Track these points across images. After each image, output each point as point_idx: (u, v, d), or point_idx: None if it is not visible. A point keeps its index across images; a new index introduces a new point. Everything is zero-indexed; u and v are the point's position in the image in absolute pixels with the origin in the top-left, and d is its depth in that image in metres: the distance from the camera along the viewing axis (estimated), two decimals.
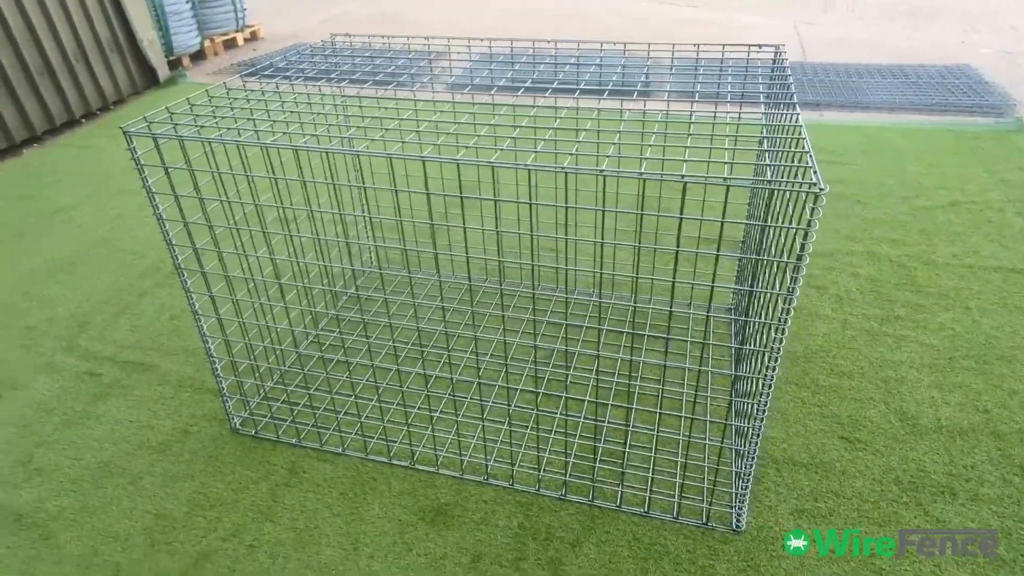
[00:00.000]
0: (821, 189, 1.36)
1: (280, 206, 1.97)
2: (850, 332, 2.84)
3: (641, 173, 1.51)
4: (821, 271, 3.26)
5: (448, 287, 3.25)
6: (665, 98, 1.94)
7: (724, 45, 2.37)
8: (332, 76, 2.34)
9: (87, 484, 2.32)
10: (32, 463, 2.41)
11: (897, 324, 2.87)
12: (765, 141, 1.58)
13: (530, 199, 1.69)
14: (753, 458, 1.85)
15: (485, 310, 3.10)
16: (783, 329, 1.57)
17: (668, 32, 7.81)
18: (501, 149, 1.71)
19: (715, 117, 1.95)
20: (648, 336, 2.85)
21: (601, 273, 2.45)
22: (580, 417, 2.46)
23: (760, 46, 2.37)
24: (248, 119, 2.02)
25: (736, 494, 2.03)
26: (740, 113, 1.96)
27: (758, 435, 1.79)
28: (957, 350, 2.71)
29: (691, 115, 1.87)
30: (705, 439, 2.34)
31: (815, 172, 1.42)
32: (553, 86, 2.17)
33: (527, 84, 2.22)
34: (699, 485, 2.17)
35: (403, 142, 1.89)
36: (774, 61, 2.32)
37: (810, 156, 1.48)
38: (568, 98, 2.08)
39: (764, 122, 1.80)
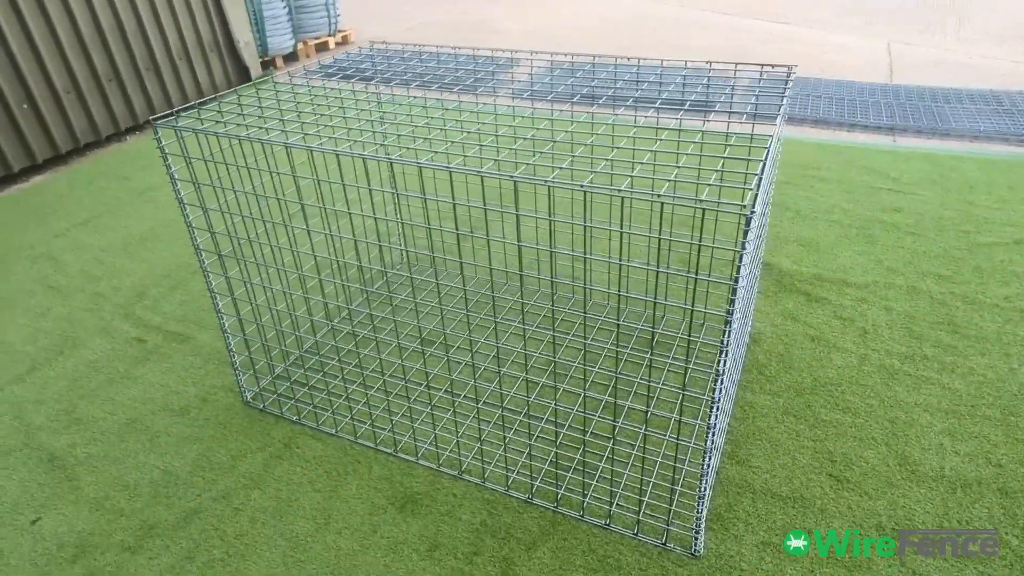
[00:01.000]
0: (752, 212, 1.35)
1: (281, 199, 2.13)
2: (867, 368, 2.70)
3: (580, 187, 1.55)
4: (852, 302, 3.10)
5: (455, 290, 3.35)
6: (654, 113, 1.95)
7: (736, 64, 2.34)
8: (353, 77, 2.51)
9: (113, 436, 2.58)
10: (74, 413, 2.71)
11: (921, 364, 2.70)
12: (723, 161, 1.57)
13: (578, 215, 1.75)
14: (707, 479, 1.83)
15: (484, 314, 3.18)
16: (725, 351, 1.55)
17: (757, 49, 7.60)
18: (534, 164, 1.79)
19: (678, 130, 1.94)
20: (639, 353, 2.83)
21: (588, 286, 2.46)
22: (563, 428, 2.49)
23: (773, 66, 2.33)
24: (272, 117, 2.20)
25: (695, 517, 2.00)
26: (744, 132, 1.94)
27: (710, 456, 1.77)
28: (982, 398, 2.52)
29: (655, 127, 1.87)
30: (683, 463, 2.30)
31: (755, 194, 1.40)
32: (549, 97, 2.23)
33: (519, 93, 2.29)
34: (667, 506, 2.15)
35: (395, 146, 2.01)
36: (786, 82, 2.27)
37: (758, 177, 1.46)
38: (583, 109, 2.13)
39: (730, 142, 1.79)
